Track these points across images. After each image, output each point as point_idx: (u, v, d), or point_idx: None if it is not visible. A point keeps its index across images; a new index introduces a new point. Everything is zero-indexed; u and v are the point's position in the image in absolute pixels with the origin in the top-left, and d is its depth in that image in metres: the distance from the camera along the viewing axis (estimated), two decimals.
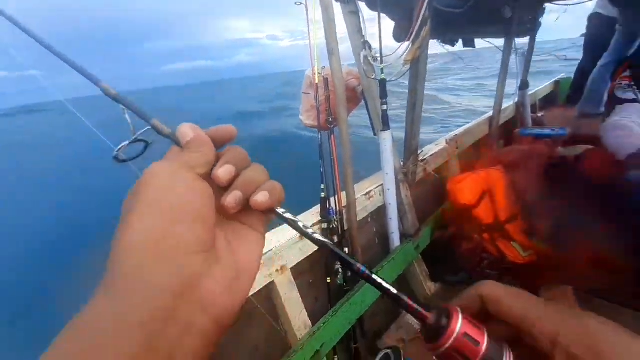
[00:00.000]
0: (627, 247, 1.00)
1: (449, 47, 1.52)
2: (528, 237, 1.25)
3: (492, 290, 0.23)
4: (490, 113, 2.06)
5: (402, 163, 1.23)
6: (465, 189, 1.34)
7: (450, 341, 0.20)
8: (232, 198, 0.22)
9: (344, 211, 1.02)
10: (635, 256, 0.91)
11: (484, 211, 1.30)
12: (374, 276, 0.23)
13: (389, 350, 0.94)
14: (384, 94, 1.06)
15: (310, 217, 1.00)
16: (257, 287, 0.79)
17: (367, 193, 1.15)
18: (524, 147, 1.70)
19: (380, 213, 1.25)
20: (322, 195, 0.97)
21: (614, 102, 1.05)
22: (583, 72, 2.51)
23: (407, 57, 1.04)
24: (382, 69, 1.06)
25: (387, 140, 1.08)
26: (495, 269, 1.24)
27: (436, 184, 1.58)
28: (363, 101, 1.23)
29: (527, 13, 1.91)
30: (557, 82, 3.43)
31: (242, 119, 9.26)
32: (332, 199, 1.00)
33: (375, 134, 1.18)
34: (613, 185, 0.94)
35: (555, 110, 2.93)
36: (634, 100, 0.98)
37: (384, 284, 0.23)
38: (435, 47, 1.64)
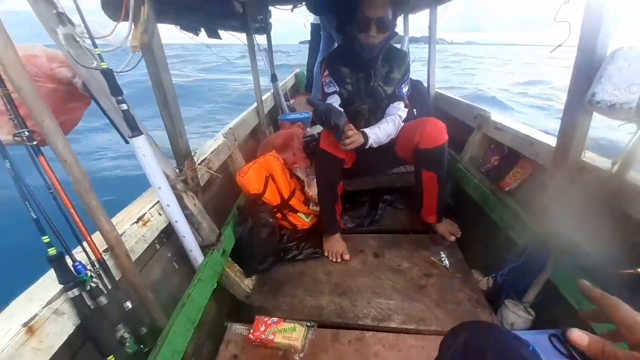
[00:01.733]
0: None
1: (191, 36, 1.43)
2: (306, 205, 1.52)
3: None
4: (255, 105, 2.26)
5: (177, 170, 1.05)
6: (252, 178, 1.39)
7: None
8: None
9: (105, 258, 0.72)
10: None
11: (271, 194, 1.42)
12: None
13: None
14: (116, 90, 0.80)
15: (41, 292, 0.62)
16: None
17: (140, 218, 0.89)
18: (286, 131, 2.01)
19: (168, 235, 1.03)
20: (51, 252, 0.62)
21: (324, 97, 1.36)
22: (310, 68, 3.37)
23: (132, 42, 0.83)
24: (100, 55, 0.79)
25: (142, 148, 0.85)
26: (293, 239, 1.42)
27: (226, 181, 1.53)
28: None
29: (257, 12, 2.17)
30: (296, 75, 4.36)
31: None
32: (76, 252, 0.67)
33: (126, 142, 0.90)
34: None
35: (299, 97, 3.74)
36: (333, 92, 1.34)
37: None
38: (181, 36, 1.49)
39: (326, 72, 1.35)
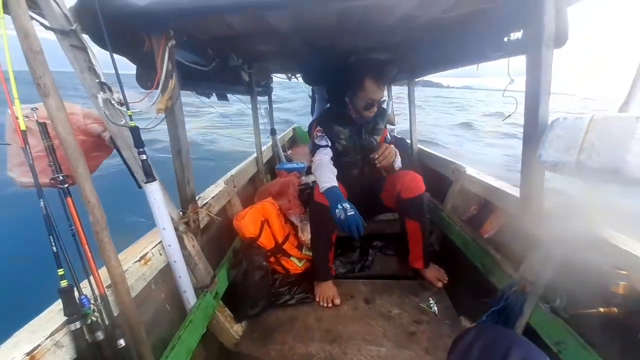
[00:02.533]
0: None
1: (204, 99, 1.66)
2: (299, 250, 1.57)
3: None
4: (255, 154, 2.45)
5: (181, 213, 1.14)
6: (248, 223, 1.48)
7: None
8: None
9: (107, 294, 0.77)
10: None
11: (266, 238, 1.49)
12: None
13: None
14: (139, 143, 0.94)
15: (45, 323, 0.66)
16: None
17: (142, 257, 0.95)
18: (283, 179, 2.16)
19: (166, 275, 1.07)
20: (63, 284, 0.68)
21: (315, 147, 1.54)
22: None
23: (158, 106, 1.00)
24: (130, 116, 0.94)
25: (154, 192, 0.96)
26: (285, 284, 1.44)
27: (224, 225, 1.61)
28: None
29: (261, 78, 2.51)
30: (294, 129, 4.74)
31: None
32: (81, 285, 0.73)
33: (139, 187, 1.01)
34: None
35: (296, 149, 4.02)
36: (325, 145, 1.53)
37: None
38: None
39: (318, 128, 1.53)
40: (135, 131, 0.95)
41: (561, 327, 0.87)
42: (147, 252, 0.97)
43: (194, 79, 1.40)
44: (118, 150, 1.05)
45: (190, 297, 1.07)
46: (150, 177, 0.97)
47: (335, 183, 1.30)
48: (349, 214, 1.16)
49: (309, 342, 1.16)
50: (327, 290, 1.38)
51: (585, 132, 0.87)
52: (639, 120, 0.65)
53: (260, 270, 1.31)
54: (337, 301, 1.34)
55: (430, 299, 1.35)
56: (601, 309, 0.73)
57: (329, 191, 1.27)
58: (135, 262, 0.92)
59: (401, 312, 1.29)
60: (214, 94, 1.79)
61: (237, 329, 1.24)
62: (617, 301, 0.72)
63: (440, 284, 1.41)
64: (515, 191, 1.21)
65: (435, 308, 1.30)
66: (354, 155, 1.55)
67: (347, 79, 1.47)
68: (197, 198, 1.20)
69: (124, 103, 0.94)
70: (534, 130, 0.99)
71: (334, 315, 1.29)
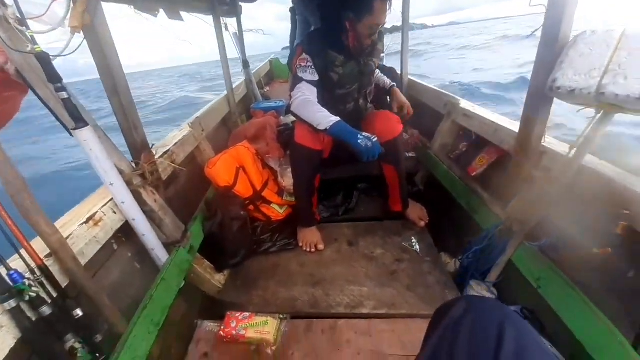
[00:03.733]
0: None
1: (148, 17, 1.30)
2: (280, 196, 1.48)
3: None
4: (225, 92, 2.15)
5: (133, 165, 0.97)
6: (221, 170, 1.33)
7: None
8: None
9: (48, 264, 0.66)
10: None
11: (243, 186, 1.37)
12: None
13: None
14: (54, 76, 0.72)
15: None
16: None
17: (90, 218, 0.82)
18: (259, 119, 1.94)
19: (127, 234, 0.97)
20: None
21: (297, 81, 1.23)
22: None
23: (72, 22, 0.74)
24: (32, 37, 0.70)
25: (89, 141, 0.77)
26: (266, 231, 1.39)
27: (194, 173, 1.46)
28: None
29: None
30: (270, 61, 4.22)
31: None
32: (10, 260, 0.61)
33: (70, 134, 0.82)
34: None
35: (274, 84, 3.63)
36: (311, 81, 1.20)
37: None
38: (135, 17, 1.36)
39: (304, 56, 1.21)
40: (43, 60, 0.72)
41: (544, 264, 0.86)
42: (96, 212, 0.84)
43: None
44: (31, 88, 0.81)
45: (160, 254, 0.99)
46: (80, 122, 0.77)
47: (338, 117, 1.11)
48: (373, 140, 1.05)
49: (292, 286, 1.16)
50: (310, 236, 1.34)
51: (615, 50, 0.72)
52: None
53: (237, 221, 1.23)
54: (321, 247, 1.31)
55: (412, 238, 1.35)
56: (595, 250, 0.70)
57: (337, 126, 1.08)
58: (82, 224, 0.79)
59: (384, 252, 1.29)
60: (161, 10, 1.42)
61: (219, 279, 1.21)
62: (614, 241, 0.68)
63: (422, 224, 1.40)
64: (513, 126, 1.10)
65: (417, 247, 1.30)
66: (350, 85, 1.30)
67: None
68: (151, 145, 1.02)
69: (21, 19, 0.69)
70: (550, 49, 0.82)
71: (317, 260, 1.28)
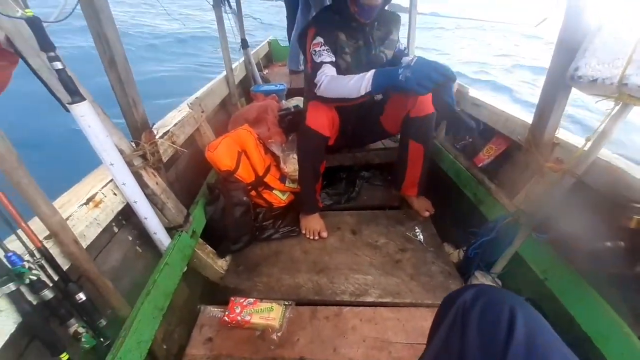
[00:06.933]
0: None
1: None
2: (282, 182, 1.45)
3: None
4: (225, 73, 2.06)
5: (133, 144, 0.92)
6: (223, 154, 1.29)
7: None
8: None
9: (48, 247, 0.62)
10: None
11: (245, 171, 1.33)
12: None
13: None
14: (47, 44, 0.66)
15: None
16: None
17: (90, 199, 0.78)
18: (259, 103, 1.88)
19: (128, 216, 0.93)
20: None
21: (315, 67, 1.15)
22: (289, 35, 3.06)
23: None
24: (24, 1, 0.63)
25: (86, 117, 0.72)
26: (268, 218, 1.37)
27: (194, 156, 1.41)
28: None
29: None
30: (269, 42, 4.05)
31: None
32: (7, 241, 0.57)
33: (66, 110, 0.76)
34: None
35: (273, 67, 3.51)
36: (330, 62, 1.14)
37: None
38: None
39: (318, 39, 1.15)
40: (35, 25, 0.65)
41: (552, 256, 0.86)
42: (96, 193, 0.80)
43: None
44: (22, 57, 0.74)
45: (162, 238, 0.95)
46: (76, 96, 0.71)
47: (370, 71, 1.01)
48: (412, 63, 0.92)
49: (295, 273, 1.15)
50: (313, 223, 1.32)
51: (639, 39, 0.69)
52: None
53: (240, 207, 1.20)
54: (324, 234, 1.30)
55: (416, 227, 1.35)
56: (608, 243, 0.69)
57: (377, 81, 0.98)
58: (82, 205, 0.75)
59: (387, 242, 1.29)
60: None
61: (221, 264, 1.19)
62: (626, 235, 0.68)
63: (427, 214, 1.40)
64: (525, 117, 1.08)
65: (421, 236, 1.30)
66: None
67: None
68: (151, 125, 0.96)
69: None
70: (572, 36, 0.79)
71: (321, 247, 1.27)
